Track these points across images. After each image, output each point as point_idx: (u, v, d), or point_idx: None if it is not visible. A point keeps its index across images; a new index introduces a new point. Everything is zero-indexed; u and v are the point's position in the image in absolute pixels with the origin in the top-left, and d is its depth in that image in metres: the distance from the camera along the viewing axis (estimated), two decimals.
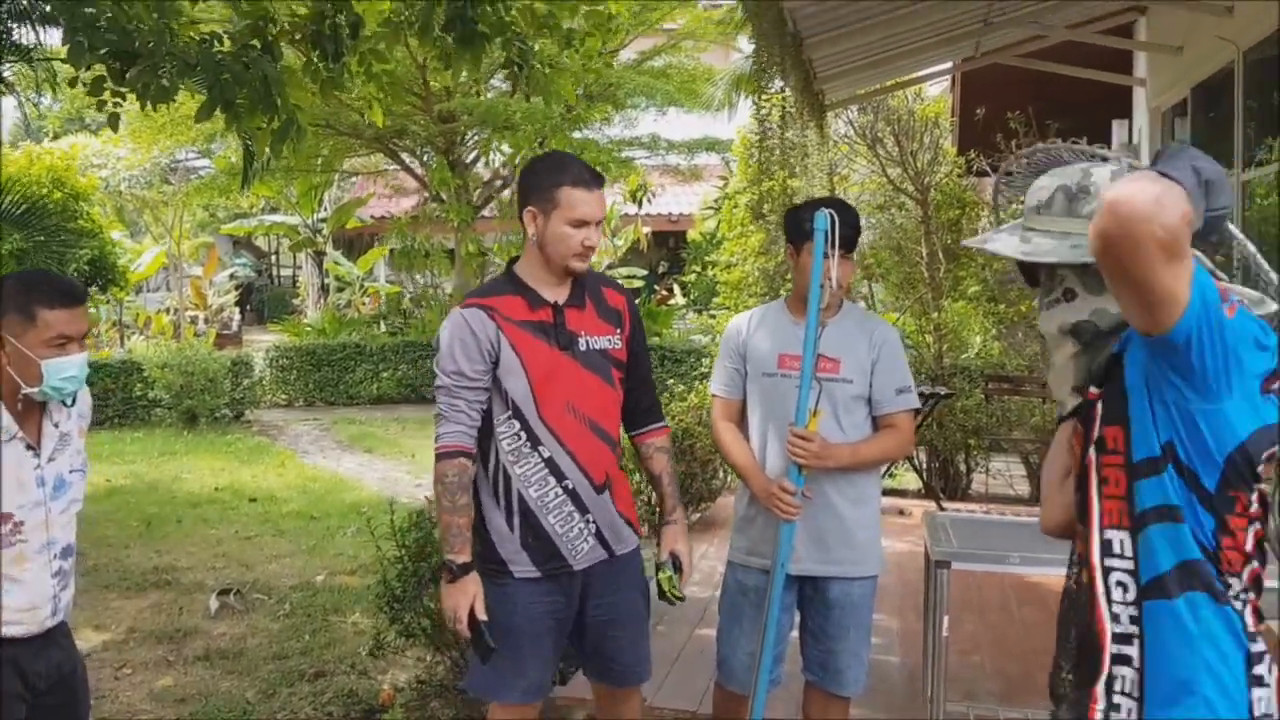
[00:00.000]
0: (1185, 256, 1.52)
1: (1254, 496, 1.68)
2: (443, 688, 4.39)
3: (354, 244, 21.82)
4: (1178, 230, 1.49)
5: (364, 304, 19.01)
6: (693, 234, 19.29)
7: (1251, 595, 1.69)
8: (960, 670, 4.64)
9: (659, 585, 3.07)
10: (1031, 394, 8.87)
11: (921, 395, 8.27)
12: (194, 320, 19.78)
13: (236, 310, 22.46)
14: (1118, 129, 8.07)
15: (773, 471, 3.24)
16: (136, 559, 6.97)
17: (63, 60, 3.65)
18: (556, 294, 2.94)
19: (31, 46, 5.37)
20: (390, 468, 10.29)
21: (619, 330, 3.03)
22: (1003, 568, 3.64)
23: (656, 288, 20.10)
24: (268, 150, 4.27)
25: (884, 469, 8.11)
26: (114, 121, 3.86)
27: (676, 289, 19.23)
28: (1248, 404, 1.62)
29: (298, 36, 4.22)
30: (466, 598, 2.81)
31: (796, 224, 3.31)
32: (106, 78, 3.68)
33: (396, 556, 4.31)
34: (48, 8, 5.03)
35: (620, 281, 3.39)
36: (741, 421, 3.41)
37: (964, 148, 9.36)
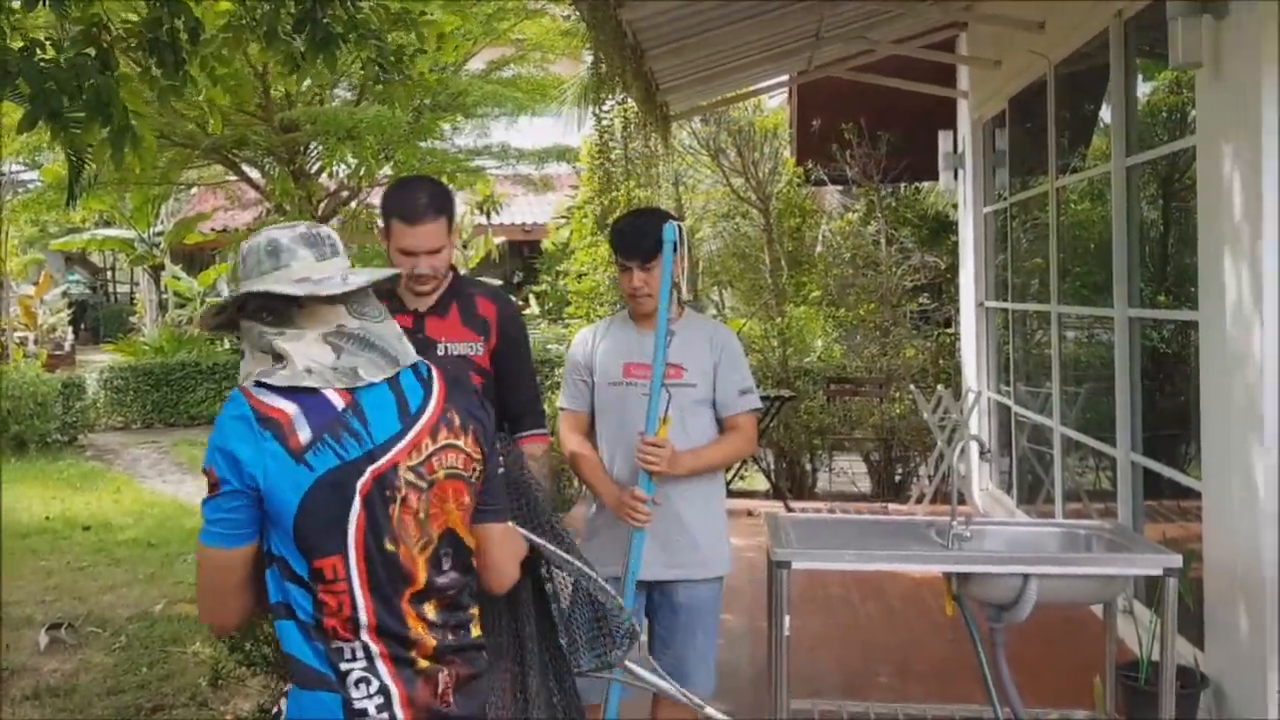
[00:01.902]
0: None
1: None
2: None
3: (195, 258, 21.02)
4: None
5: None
6: (546, 243, 19.29)
7: None
8: (805, 667, 4.78)
9: None
10: (870, 395, 9.19)
11: (767, 398, 8.49)
12: (23, 341, 18.75)
13: (70, 329, 21.39)
14: (943, 139, 8.44)
15: (621, 480, 3.29)
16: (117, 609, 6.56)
17: None
18: (420, 302, 3.08)
19: None
20: None
21: (483, 338, 3.12)
22: (840, 565, 3.77)
23: (512, 298, 19.99)
24: (107, 160, 4.12)
25: (730, 471, 8.34)
26: None
27: (531, 299, 19.19)
28: None
29: (133, 43, 4.09)
30: None
31: (630, 241, 3.36)
32: None
33: None
34: None
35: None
36: (590, 433, 3.45)
37: (802, 158, 9.64)
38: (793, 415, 8.91)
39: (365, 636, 1.82)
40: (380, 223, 3.12)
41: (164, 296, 20.02)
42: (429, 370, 1.96)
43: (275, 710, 1.94)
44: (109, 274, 29.04)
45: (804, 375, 9.92)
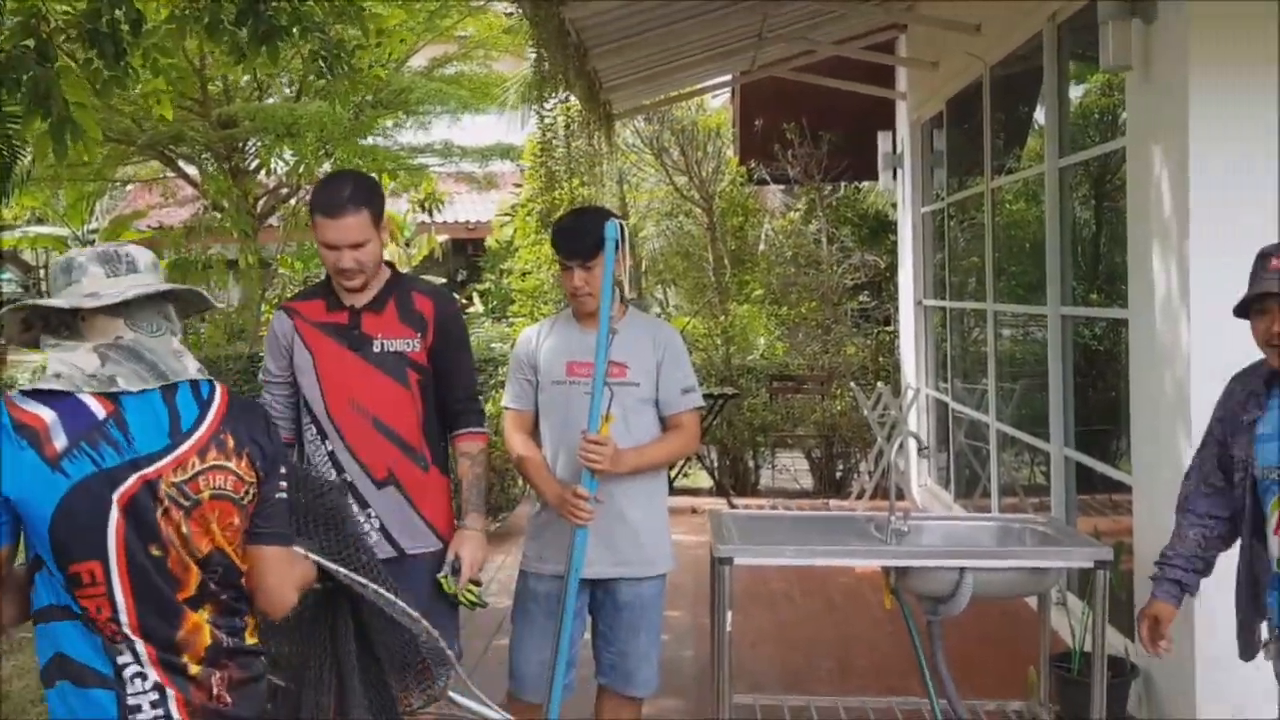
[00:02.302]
0: None
1: None
2: None
3: None
4: None
5: None
6: (490, 241, 19.21)
7: None
8: (748, 662, 4.82)
9: (441, 588, 3.10)
10: (812, 392, 9.28)
11: (710, 396, 8.54)
12: None
13: None
14: (882, 139, 8.54)
15: (565, 479, 3.29)
16: None
17: None
18: (356, 298, 3.09)
19: None
20: None
21: (419, 335, 3.12)
22: (781, 560, 3.81)
23: (454, 296, 19.86)
24: (47, 154, 4.06)
25: (674, 469, 8.38)
26: None
27: (475, 297, 19.10)
28: None
29: (73, 34, 4.01)
30: None
31: (563, 232, 3.38)
32: None
33: None
34: None
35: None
36: (534, 432, 3.45)
37: (745, 157, 9.71)
38: (736, 413, 8.97)
39: (132, 637, 1.88)
40: None
41: None
42: (211, 390, 2.01)
43: None
44: (42, 272, 28.39)
45: (747, 373, 9.99)
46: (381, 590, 2.29)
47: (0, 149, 4.51)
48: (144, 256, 2.04)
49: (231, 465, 1.95)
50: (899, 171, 8.51)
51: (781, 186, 11.27)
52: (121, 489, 1.85)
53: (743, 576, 3.90)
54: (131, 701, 1.87)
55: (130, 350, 1.93)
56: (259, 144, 12.68)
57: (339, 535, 2.32)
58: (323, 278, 3.27)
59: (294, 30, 4.34)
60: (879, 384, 8.68)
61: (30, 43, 3.80)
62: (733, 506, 7.84)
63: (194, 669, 1.92)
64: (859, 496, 8.29)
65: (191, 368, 2.00)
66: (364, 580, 2.28)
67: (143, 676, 1.88)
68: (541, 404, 3.42)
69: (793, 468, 9.40)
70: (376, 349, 3.09)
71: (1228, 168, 3.63)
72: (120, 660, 1.87)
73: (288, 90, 12.54)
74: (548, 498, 3.33)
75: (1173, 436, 3.84)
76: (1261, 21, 3.60)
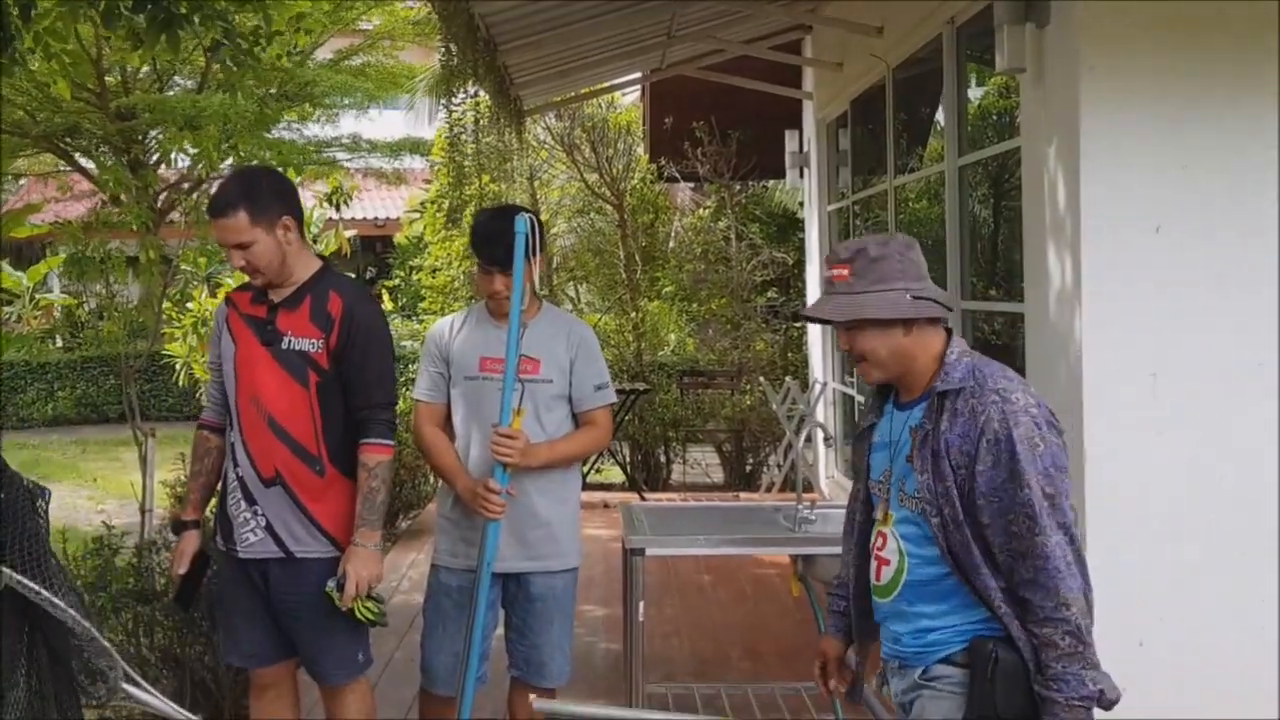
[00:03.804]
0: None
1: None
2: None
3: (23, 252, 19.90)
4: None
5: (35, 318, 17.41)
6: (399, 238, 18.99)
7: None
8: (661, 651, 4.88)
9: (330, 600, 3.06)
10: (723, 387, 9.39)
11: (622, 392, 8.59)
12: None
13: None
14: (790, 138, 8.67)
15: (476, 473, 3.29)
16: None
17: None
18: (279, 292, 3.10)
19: None
20: (68, 494, 9.52)
21: (324, 335, 3.07)
22: (691, 550, 3.87)
23: (372, 295, 19.59)
24: None
25: (586, 464, 8.40)
26: None
27: (385, 294, 18.86)
28: None
29: None
30: (178, 553, 3.20)
31: (479, 233, 3.39)
32: None
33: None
34: None
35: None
36: (446, 425, 3.44)
37: (655, 154, 9.77)
38: (647, 408, 9.04)
39: None
40: None
41: None
42: None
43: None
44: None
45: (658, 369, 10.06)
46: (35, 586, 2.29)
47: None
48: None
49: None
50: (805, 170, 8.65)
51: (691, 184, 11.36)
52: None
53: (655, 568, 3.95)
54: None
55: None
56: (159, 137, 12.38)
57: (24, 542, 2.35)
58: None
59: (194, 18, 4.25)
60: (788, 379, 8.81)
61: None
62: (643, 500, 7.90)
63: None
64: (768, 489, 8.41)
65: None
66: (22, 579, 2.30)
67: None
68: (454, 398, 3.42)
69: (704, 462, 9.49)
70: (284, 346, 3.07)
71: (1117, 165, 3.78)
72: None
73: (188, 83, 12.25)
74: (458, 490, 3.33)
75: (1068, 428, 3.97)
76: (1148, 25, 3.76)
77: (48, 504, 2.49)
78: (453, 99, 5.87)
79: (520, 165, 8.21)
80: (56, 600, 2.30)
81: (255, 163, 7.16)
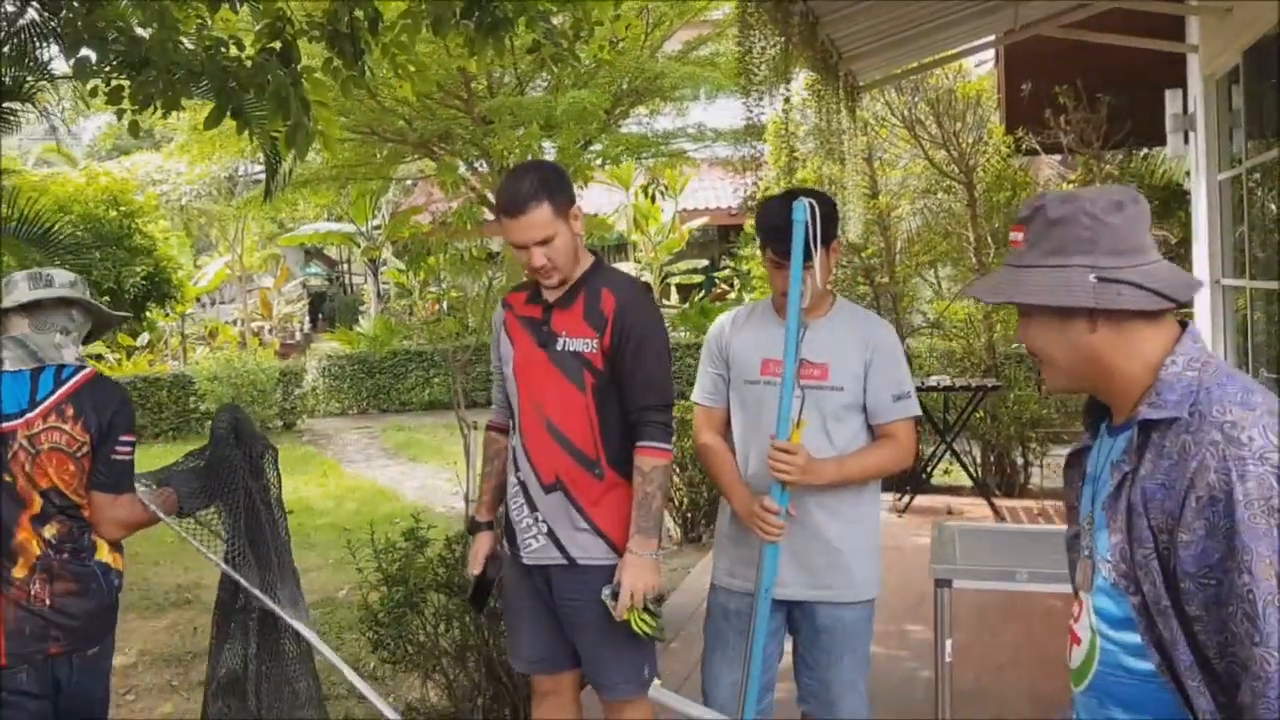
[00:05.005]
0: None
1: None
2: (437, 714, 4.21)
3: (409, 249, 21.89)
4: None
5: (424, 309, 19.06)
6: (748, 226, 18.97)
7: None
8: (991, 686, 4.32)
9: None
10: None
11: (968, 388, 7.91)
12: (259, 331, 20.04)
13: (306, 320, 22.73)
14: (1171, 99, 7.53)
15: (755, 487, 2.98)
16: (163, 577, 6.95)
17: (69, 78, 3.69)
18: (553, 292, 2.98)
19: (48, 62, 5.35)
20: (430, 475, 10.19)
21: (598, 335, 2.90)
22: (1005, 585, 3.31)
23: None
24: (292, 157, 4.25)
25: (930, 465, 7.80)
26: (134, 129, 3.96)
27: (736, 283, 18.92)
28: None
29: (316, 35, 4.13)
30: (474, 553, 3.17)
31: (766, 223, 3.05)
32: (124, 87, 3.74)
33: (379, 579, 4.14)
34: (54, 24, 5.00)
35: (636, 278, 3.23)
36: (727, 431, 3.17)
37: (1012, 125, 8.91)
38: (1000, 405, 8.27)
39: None
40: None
41: (382, 288, 20.91)
42: (74, 373, 2.82)
43: None
44: (345, 266, 30.66)
45: (1016, 362, 9.22)
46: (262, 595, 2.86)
47: (266, 151, 4.76)
48: (62, 276, 2.88)
49: (66, 427, 2.75)
50: (1191, 134, 7.51)
51: (1055, 156, 10.31)
52: None
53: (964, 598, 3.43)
54: None
55: (19, 341, 2.80)
56: (519, 138, 13.00)
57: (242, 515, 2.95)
58: None
59: (519, 21, 4.31)
60: None
61: (276, 45, 3.94)
62: (995, 509, 7.22)
63: (19, 573, 2.70)
64: None
65: (68, 356, 2.83)
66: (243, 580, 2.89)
67: None
68: (733, 403, 3.14)
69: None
70: (559, 347, 2.94)
71: None
72: None
73: (543, 85, 12.76)
74: (735, 507, 3.05)
75: None
76: None
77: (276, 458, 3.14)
78: (757, 81, 5.56)
79: (854, 145, 7.71)
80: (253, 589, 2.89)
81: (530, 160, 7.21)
